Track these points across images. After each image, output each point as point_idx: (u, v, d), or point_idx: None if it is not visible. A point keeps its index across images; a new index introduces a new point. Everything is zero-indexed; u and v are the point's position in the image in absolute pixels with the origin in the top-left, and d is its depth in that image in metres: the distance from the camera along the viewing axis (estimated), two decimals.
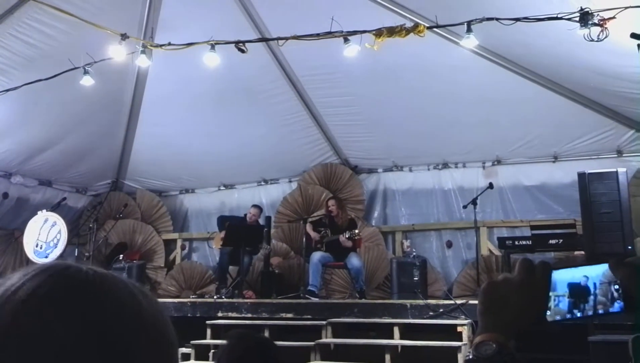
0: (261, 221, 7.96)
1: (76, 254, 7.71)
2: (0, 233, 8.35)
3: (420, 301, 5.49)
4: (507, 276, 0.78)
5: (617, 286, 0.81)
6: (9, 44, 6.14)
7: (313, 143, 8.13)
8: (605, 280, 0.81)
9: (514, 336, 0.72)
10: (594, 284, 0.81)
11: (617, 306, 0.81)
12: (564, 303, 0.78)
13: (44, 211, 7.67)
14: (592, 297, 0.81)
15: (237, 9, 6.32)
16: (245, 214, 7.62)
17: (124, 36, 5.67)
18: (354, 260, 6.41)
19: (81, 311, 0.47)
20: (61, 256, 7.50)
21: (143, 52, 5.89)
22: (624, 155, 6.87)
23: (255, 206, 7.72)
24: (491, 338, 0.71)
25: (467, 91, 6.58)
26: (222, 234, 7.24)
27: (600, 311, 0.80)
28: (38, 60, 6.30)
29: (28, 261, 7.59)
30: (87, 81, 6.11)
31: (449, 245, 7.61)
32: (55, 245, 7.40)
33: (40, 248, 7.48)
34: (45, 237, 7.48)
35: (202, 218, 8.95)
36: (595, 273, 0.81)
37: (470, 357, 0.72)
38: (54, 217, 7.55)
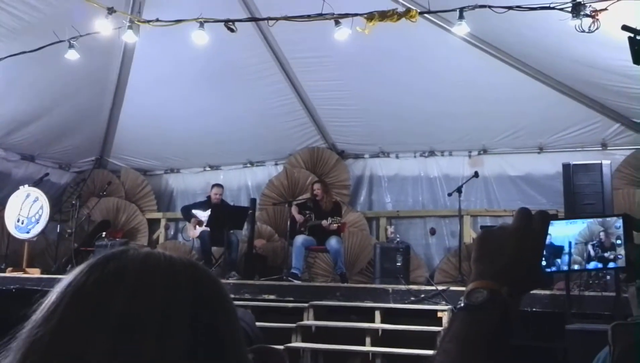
0: (245, 203, 7.91)
1: (58, 230, 7.63)
2: None
3: (402, 287, 5.54)
4: (504, 224, 0.76)
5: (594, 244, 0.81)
6: None
7: (300, 126, 8.09)
8: (581, 239, 0.81)
9: (508, 283, 0.69)
10: (569, 243, 0.80)
11: (592, 265, 0.81)
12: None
13: (26, 186, 7.56)
14: (566, 256, 0.80)
15: None
16: (209, 196, 7.46)
17: (110, 10, 5.57)
18: (333, 242, 6.43)
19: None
20: (43, 232, 7.42)
21: (130, 27, 5.79)
22: (608, 148, 6.94)
23: (216, 185, 7.53)
24: (483, 285, 0.68)
25: (457, 79, 6.57)
26: (193, 223, 7.20)
27: (576, 267, 0.81)
28: (22, 32, 6.14)
29: (9, 236, 7.50)
30: (72, 55, 6.01)
31: (433, 232, 7.66)
32: (37, 221, 7.31)
33: (22, 223, 7.38)
34: (26, 212, 7.38)
35: (187, 199, 8.88)
36: (572, 232, 0.80)
37: (462, 304, 0.69)
38: (36, 193, 7.44)
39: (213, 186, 7.53)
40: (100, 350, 0.55)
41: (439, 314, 5.02)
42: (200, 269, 0.65)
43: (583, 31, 4.57)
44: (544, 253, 0.74)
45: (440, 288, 5.35)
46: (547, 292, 4.88)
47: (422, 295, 5.28)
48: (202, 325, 0.59)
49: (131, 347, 0.55)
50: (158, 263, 0.62)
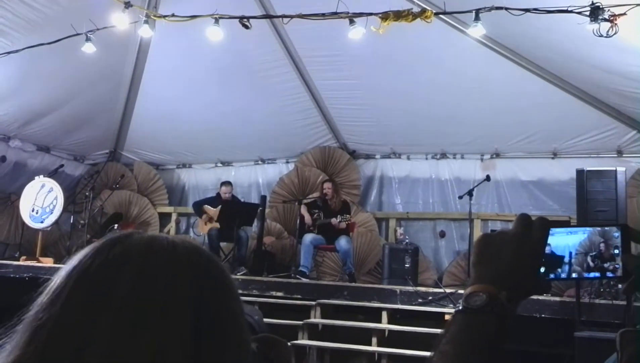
0: (256, 199, 7.93)
1: (71, 221, 7.73)
2: None
3: (410, 288, 5.52)
4: (504, 229, 0.77)
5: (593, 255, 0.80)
6: (12, 7, 6.05)
7: (312, 125, 8.09)
8: (582, 250, 0.80)
9: (506, 288, 0.69)
10: (570, 253, 0.80)
11: (591, 275, 0.81)
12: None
13: (41, 176, 7.65)
14: (567, 266, 0.80)
15: None
16: (218, 194, 7.47)
17: (127, 4, 5.61)
18: (343, 242, 6.43)
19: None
20: (56, 222, 7.51)
21: (146, 22, 5.83)
22: (624, 155, 6.85)
23: (225, 183, 7.50)
24: (482, 289, 0.69)
25: (471, 82, 6.53)
26: (205, 219, 7.23)
27: (575, 276, 0.80)
28: (40, 24, 6.23)
29: (24, 226, 7.61)
30: (89, 48, 6.07)
31: (442, 234, 7.62)
32: (51, 211, 7.40)
33: (36, 213, 7.47)
34: (41, 202, 7.47)
35: (199, 194, 8.95)
36: (572, 242, 0.80)
37: (460, 307, 0.70)
38: (50, 183, 7.53)
39: (222, 184, 7.53)
40: (104, 334, 0.55)
41: (447, 317, 4.99)
42: (203, 253, 0.64)
43: (601, 36, 4.51)
44: (543, 260, 0.75)
45: (448, 291, 5.33)
46: (557, 299, 4.83)
47: (430, 298, 5.26)
48: (204, 310, 0.59)
49: (134, 332, 0.55)
50: (161, 248, 0.62)
